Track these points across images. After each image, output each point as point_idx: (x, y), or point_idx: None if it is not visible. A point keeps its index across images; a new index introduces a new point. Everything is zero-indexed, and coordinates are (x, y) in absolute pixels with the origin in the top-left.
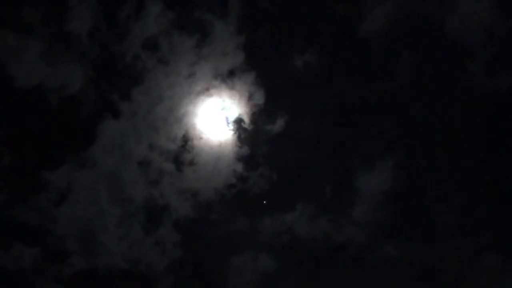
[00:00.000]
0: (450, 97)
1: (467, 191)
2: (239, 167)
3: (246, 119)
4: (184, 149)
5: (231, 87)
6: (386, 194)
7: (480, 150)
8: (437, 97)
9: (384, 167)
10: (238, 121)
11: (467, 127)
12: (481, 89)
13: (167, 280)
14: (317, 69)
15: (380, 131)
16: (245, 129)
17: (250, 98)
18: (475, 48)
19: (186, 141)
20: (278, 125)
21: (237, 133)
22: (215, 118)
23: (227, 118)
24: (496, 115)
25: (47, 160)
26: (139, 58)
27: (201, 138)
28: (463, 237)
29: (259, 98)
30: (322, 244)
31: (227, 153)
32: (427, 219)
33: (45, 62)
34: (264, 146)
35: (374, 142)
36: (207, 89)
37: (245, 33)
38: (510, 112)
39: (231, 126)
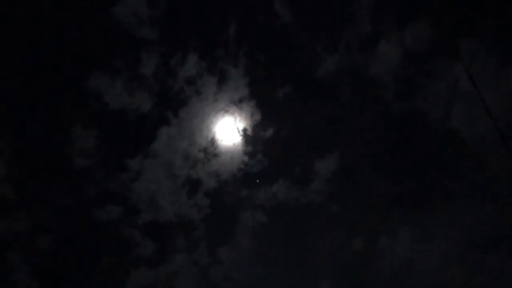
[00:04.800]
0: (373, 115)
1: (388, 172)
2: (245, 158)
3: (250, 129)
4: (211, 146)
5: (241, 109)
6: (333, 174)
7: (394, 147)
8: (365, 114)
9: (332, 157)
10: (245, 130)
11: (385, 133)
12: (392, 110)
13: (201, 227)
14: (292, 97)
15: (329, 134)
16: (249, 135)
17: (252, 116)
18: (387, 83)
19: (212, 141)
20: (269, 132)
21: (244, 137)
22: (231, 128)
23: (238, 128)
24: (405, 127)
25: (127, 152)
26: (183, 90)
27: (222, 140)
28: (385, 202)
29: (257, 116)
30: (295, 205)
31: (237, 149)
32: (360, 189)
33: (127, 93)
34: (260, 145)
35: (326, 142)
36: (226, 110)
37: (249, 76)
38: (414, 123)
39: (241, 133)
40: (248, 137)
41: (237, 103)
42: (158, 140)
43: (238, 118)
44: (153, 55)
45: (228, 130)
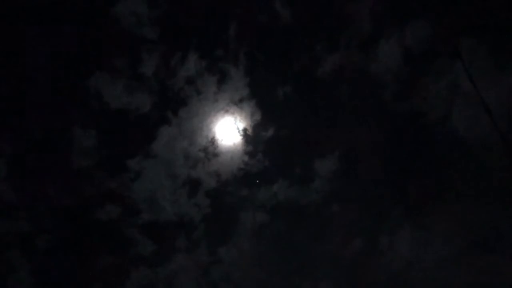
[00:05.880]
0: (372, 116)
1: (384, 173)
2: (246, 157)
3: (250, 129)
4: (211, 146)
5: (241, 109)
6: (333, 173)
7: (394, 146)
8: (365, 115)
9: (332, 157)
10: (245, 130)
11: (385, 133)
12: (392, 110)
13: (201, 227)
14: (292, 97)
15: (329, 136)
16: (249, 135)
17: (252, 116)
18: (387, 82)
19: (213, 141)
20: (269, 132)
21: (244, 137)
22: (231, 127)
23: (238, 128)
24: (404, 129)
25: (127, 152)
26: (183, 89)
27: (222, 140)
28: (385, 202)
29: (258, 116)
30: (295, 205)
31: (238, 149)
32: (360, 189)
33: (127, 92)
34: (260, 145)
35: (326, 142)
36: (226, 110)
37: (249, 76)
38: (412, 123)
39: (241, 133)
40: (248, 137)
41: (237, 103)
42: (158, 140)
43: (238, 118)
44: (153, 55)
45: (228, 130)
